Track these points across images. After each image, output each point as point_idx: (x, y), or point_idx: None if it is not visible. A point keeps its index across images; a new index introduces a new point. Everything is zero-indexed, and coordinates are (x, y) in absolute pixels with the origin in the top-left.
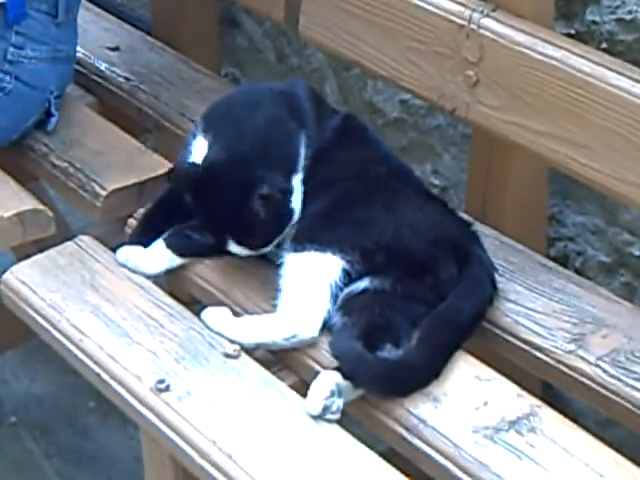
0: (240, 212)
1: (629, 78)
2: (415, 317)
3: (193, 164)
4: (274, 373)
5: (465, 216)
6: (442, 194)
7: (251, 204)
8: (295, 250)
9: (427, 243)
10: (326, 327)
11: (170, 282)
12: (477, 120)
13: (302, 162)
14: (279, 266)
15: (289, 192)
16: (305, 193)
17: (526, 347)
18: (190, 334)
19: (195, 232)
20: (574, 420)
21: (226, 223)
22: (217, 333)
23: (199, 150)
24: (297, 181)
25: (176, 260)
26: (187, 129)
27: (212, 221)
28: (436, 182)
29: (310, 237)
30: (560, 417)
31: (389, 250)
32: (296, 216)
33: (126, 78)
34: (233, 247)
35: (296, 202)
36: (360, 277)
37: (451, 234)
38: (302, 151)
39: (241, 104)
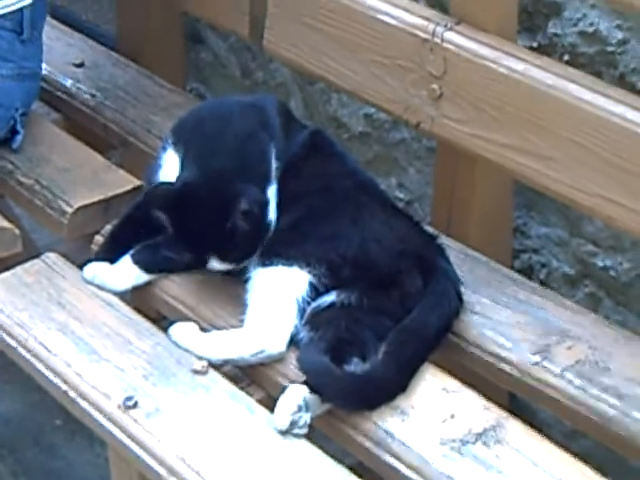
0: (221, 228)
1: (591, 90)
2: (382, 330)
3: (167, 184)
4: (242, 388)
5: (430, 229)
6: (407, 207)
7: (232, 219)
8: (262, 265)
9: (393, 256)
10: (293, 342)
11: (137, 298)
12: (441, 133)
13: (274, 173)
14: (246, 281)
15: (266, 204)
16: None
17: (492, 359)
18: (158, 350)
19: (163, 248)
20: (540, 431)
21: (207, 241)
22: (185, 349)
23: (170, 164)
24: (272, 192)
25: (143, 276)
26: (153, 145)
27: (191, 240)
28: (401, 195)
29: (277, 251)
30: (526, 428)
31: (355, 264)
32: (272, 226)
33: (91, 94)
34: (214, 264)
35: (272, 212)
36: (327, 291)
37: (417, 247)
38: (274, 163)
39: (212, 118)
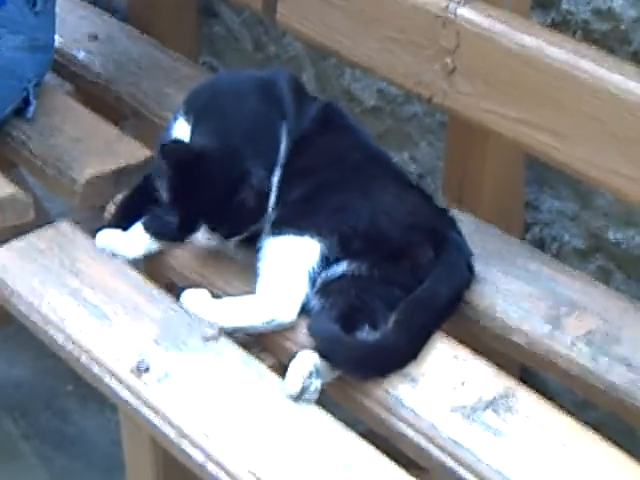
0: (224, 201)
1: (604, 67)
2: (392, 300)
3: (183, 143)
4: (253, 354)
5: (442, 202)
6: (419, 181)
7: (238, 192)
8: (273, 234)
9: (404, 228)
10: (304, 310)
11: (149, 266)
12: (454, 108)
13: (282, 159)
14: (258, 250)
15: (270, 188)
16: (285, 180)
17: (503, 329)
18: (169, 316)
19: (171, 215)
20: (551, 400)
21: (205, 208)
22: (196, 316)
23: (180, 133)
24: (277, 176)
25: (155, 244)
26: (165, 117)
27: (189, 202)
28: (413, 169)
29: (289, 222)
30: (536, 397)
31: (366, 235)
32: (270, 209)
33: (104, 66)
34: (201, 233)
35: (271, 199)
36: (338, 261)
37: (428, 219)
38: (283, 147)
39: (225, 91)
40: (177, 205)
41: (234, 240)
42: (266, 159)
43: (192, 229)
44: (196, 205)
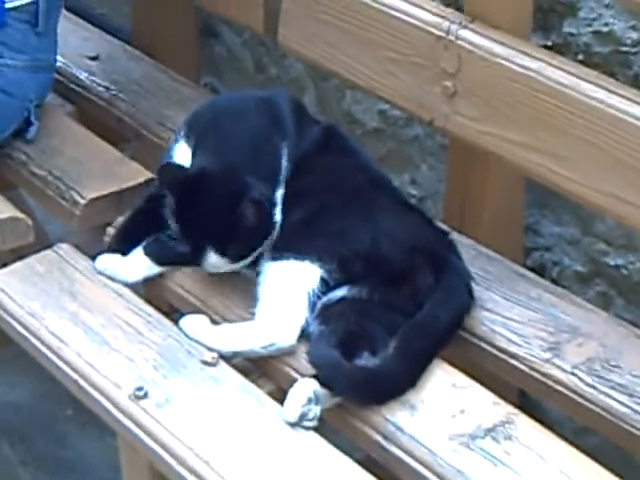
0: (226, 220)
1: (605, 89)
2: (392, 325)
3: (180, 166)
4: (252, 381)
5: (442, 226)
6: (420, 204)
7: (240, 209)
8: (273, 259)
9: (404, 252)
10: (304, 335)
11: (148, 290)
12: (455, 131)
13: (284, 176)
14: (257, 275)
15: (274, 204)
16: (285, 203)
17: (502, 355)
18: (168, 342)
19: (174, 240)
20: (550, 428)
21: (209, 231)
22: (195, 341)
23: (181, 155)
24: (279, 195)
25: (154, 268)
26: (166, 138)
27: (193, 227)
28: (414, 192)
29: (288, 246)
30: (536, 425)
31: (366, 259)
32: (276, 231)
33: (105, 87)
34: (211, 257)
35: (278, 214)
36: (338, 286)
37: (428, 243)
38: (284, 165)
39: (225, 112)
40: (182, 230)
41: (242, 264)
42: (268, 179)
43: (198, 254)
44: (201, 229)
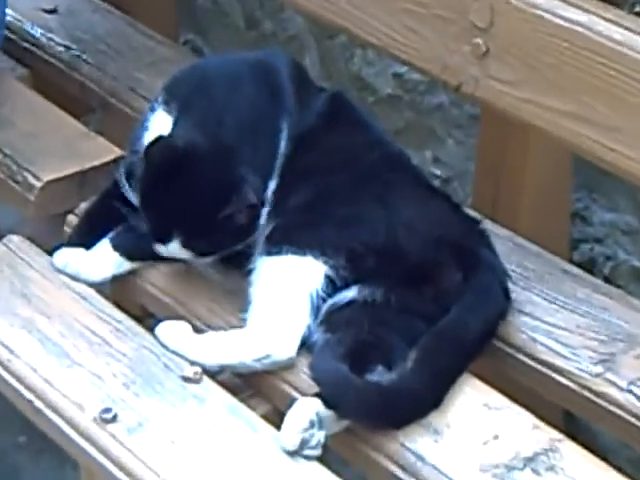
0: (208, 213)
1: None
2: (412, 334)
3: (169, 138)
4: (242, 400)
5: (472, 213)
6: (445, 186)
7: (227, 203)
8: (269, 253)
9: (427, 245)
10: (305, 345)
11: (117, 291)
12: (487, 98)
13: (280, 162)
14: (249, 272)
15: (264, 203)
16: (284, 186)
17: (545, 369)
18: (142, 354)
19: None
20: (602, 457)
21: (181, 217)
22: (174, 352)
23: (159, 126)
24: (270, 190)
25: (125, 264)
26: (139, 108)
27: (164, 208)
28: (438, 172)
29: (288, 237)
30: (585, 453)
31: (381, 253)
32: (256, 232)
33: (65, 46)
34: (173, 247)
35: (263, 217)
36: (346, 286)
37: (455, 234)
38: (282, 145)
39: (213, 79)
40: (148, 209)
41: (209, 260)
42: (263, 161)
43: (163, 240)
44: (171, 212)
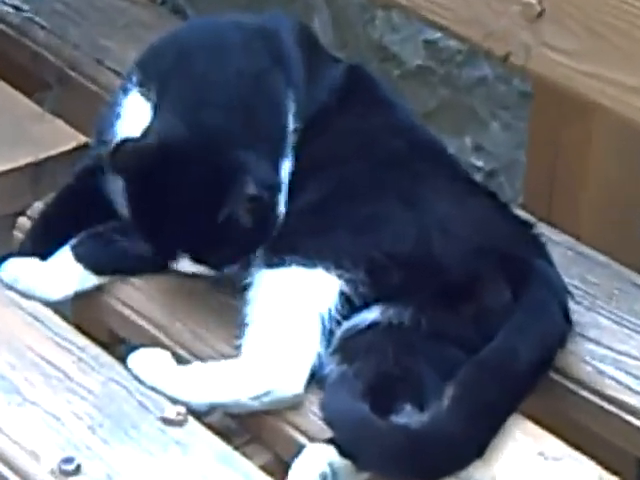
0: (208, 216)
1: None
2: (448, 364)
3: (132, 139)
4: (237, 448)
5: (523, 214)
6: (489, 181)
7: (230, 206)
8: (270, 264)
9: (466, 253)
10: (315, 379)
11: (80, 312)
12: (540, 70)
13: (291, 140)
14: (245, 288)
15: (278, 187)
16: (289, 181)
17: (613, 408)
18: (111, 389)
19: (117, 236)
20: None
21: (182, 230)
22: (151, 388)
23: (134, 114)
24: (285, 169)
25: (90, 279)
26: (106, 83)
27: (158, 225)
28: (479, 164)
29: (292, 245)
30: None
31: (409, 264)
32: (279, 221)
33: (15, 7)
34: (184, 264)
35: (282, 202)
36: (366, 305)
37: (502, 240)
38: (291, 124)
39: (200, 48)
40: (141, 228)
41: (234, 269)
42: (270, 149)
43: (168, 258)
44: (166, 226)
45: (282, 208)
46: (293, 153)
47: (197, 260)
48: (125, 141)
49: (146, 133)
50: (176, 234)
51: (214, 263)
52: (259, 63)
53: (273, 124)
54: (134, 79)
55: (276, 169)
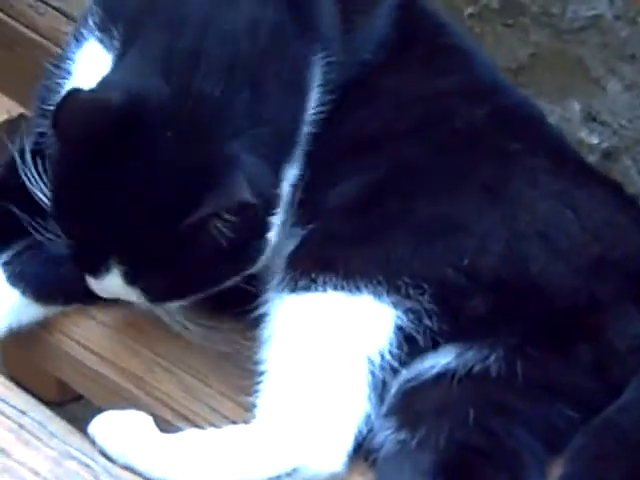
0: (166, 216)
1: None
2: (555, 430)
3: (85, 91)
4: None
5: None
6: (606, 164)
7: (201, 211)
8: (294, 288)
9: (579, 270)
10: (362, 452)
11: (16, 357)
12: None
13: (307, 135)
14: (257, 321)
15: (276, 201)
16: (317, 171)
17: None
18: (66, 470)
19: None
20: None
21: (121, 229)
22: (125, 467)
23: (91, 69)
24: (289, 179)
25: (30, 310)
26: (54, 37)
27: (89, 215)
28: (594, 140)
29: (326, 259)
30: None
31: (498, 286)
32: (267, 252)
33: None
34: (111, 282)
35: (276, 225)
36: (435, 345)
37: (629, 250)
38: (312, 106)
39: None
40: (65, 217)
41: (175, 305)
42: (272, 145)
43: (93, 270)
44: (103, 221)
45: (274, 236)
46: (321, 133)
47: (132, 279)
48: (75, 91)
49: (104, 84)
50: (113, 231)
51: (155, 289)
52: (269, 5)
53: (284, 110)
54: (91, 22)
55: (277, 176)
